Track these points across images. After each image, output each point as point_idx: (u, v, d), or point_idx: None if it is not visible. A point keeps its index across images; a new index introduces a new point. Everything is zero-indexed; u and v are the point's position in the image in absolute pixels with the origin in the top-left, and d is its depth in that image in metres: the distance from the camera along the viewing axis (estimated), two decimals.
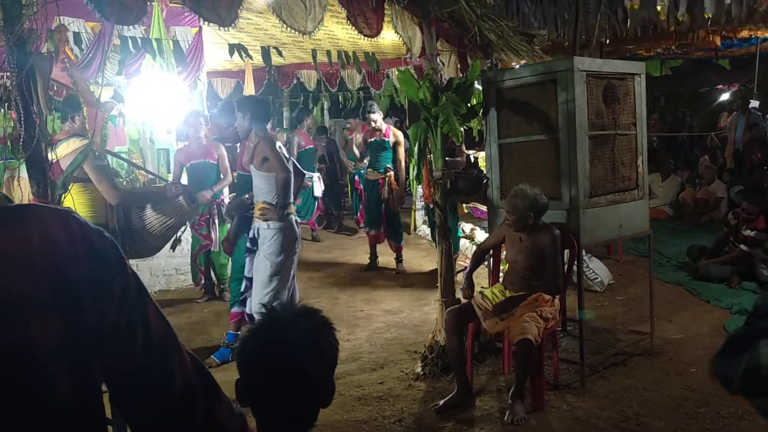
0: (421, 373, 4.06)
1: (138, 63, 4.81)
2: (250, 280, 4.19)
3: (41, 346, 0.80)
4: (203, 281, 5.95)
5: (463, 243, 6.99)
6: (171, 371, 0.95)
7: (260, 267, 4.06)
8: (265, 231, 4.05)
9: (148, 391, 0.93)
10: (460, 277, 6.07)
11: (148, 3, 2.86)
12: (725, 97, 14.34)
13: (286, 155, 4.16)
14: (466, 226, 7.57)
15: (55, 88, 4.68)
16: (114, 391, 0.92)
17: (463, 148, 6.39)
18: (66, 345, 0.82)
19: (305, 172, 5.08)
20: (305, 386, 1.23)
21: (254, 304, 4.04)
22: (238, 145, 5.23)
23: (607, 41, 8.08)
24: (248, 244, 4.21)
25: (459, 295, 4.11)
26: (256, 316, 1.34)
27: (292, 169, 4.17)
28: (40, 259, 0.83)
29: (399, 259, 6.95)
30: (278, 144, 4.10)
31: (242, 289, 4.29)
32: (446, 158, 4.34)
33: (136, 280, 0.93)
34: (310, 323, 1.26)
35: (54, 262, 0.84)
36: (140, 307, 0.93)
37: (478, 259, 4.08)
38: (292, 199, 4.19)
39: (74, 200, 3.68)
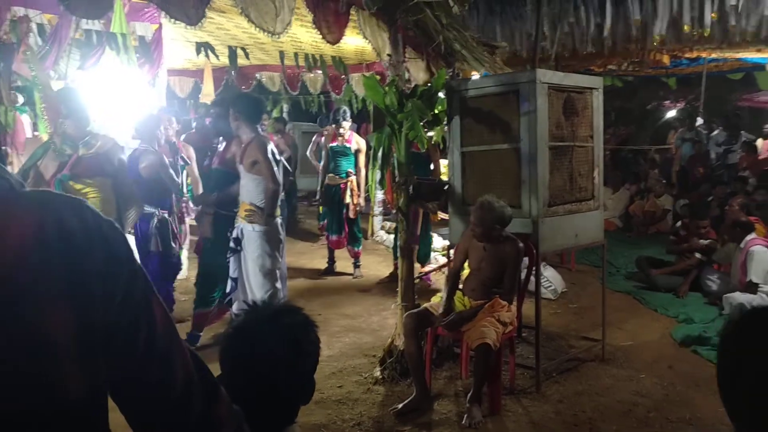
0: (380, 377, 4.08)
1: (96, 57, 4.70)
2: (235, 280, 4.17)
3: (55, 335, 0.79)
4: None
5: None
6: (173, 366, 0.94)
7: (250, 270, 4.04)
8: (250, 233, 4.02)
9: (150, 385, 0.93)
10: (419, 283, 6.16)
11: None
12: (672, 113, 14.92)
13: (278, 158, 4.11)
14: None
15: (17, 81, 4.53)
16: (115, 384, 0.90)
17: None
18: (78, 336, 0.81)
19: None
20: (287, 384, 1.23)
21: None
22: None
23: (566, 54, 8.30)
24: (231, 244, 4.17)
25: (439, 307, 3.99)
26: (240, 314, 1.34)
27: (281, 174, 4.13)
28: (54, 246, 0.81)
29: (357, 264, 6.95)
30: (270, 147, 4.03)
31: (228, 290, 4.25)
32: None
33: (143, 275, 0.92)
34: (291, 321, 1.27)
35: (67, 251, 0.82)
36: (146, 301, 0.92)
37: (453, 282, 3.96)
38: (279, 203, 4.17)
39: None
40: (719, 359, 1.09)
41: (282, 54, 5.62)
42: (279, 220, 4.22)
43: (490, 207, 3.68)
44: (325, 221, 7.12)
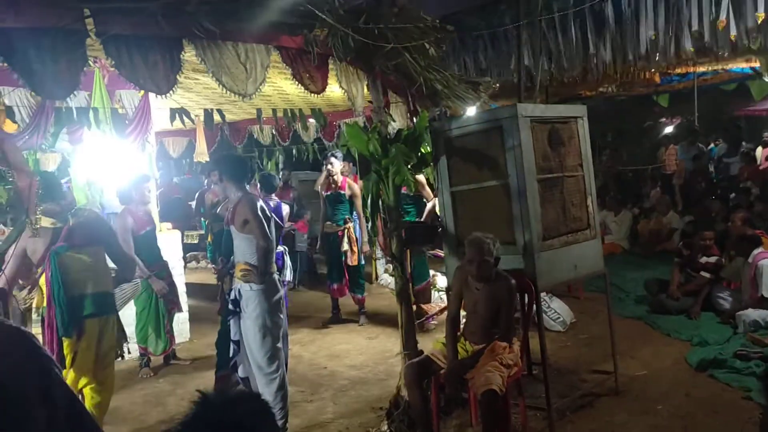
0: (387, 431, 3.94)
1: (80, 131, 4.73)
2: (237, 343, 4.05)
3: None
4: (171, 348, 5.72)
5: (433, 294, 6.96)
6: None
7: (249, 331, 3.92)
8: (248, 292, 3.93)
9: None
10: (427, 325, 6.06)
11: (84, 72, 2.80)
12: (669, 130, 14.87)
13: (269, 215, 4.05)
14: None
15: None
16: None
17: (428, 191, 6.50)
18: None
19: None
20: None
21: (254, 368, 3.93)
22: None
23: (555, 83, 8.33)
24: (230, 306, 4.06)
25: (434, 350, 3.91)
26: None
27: (273, 231, 4.06)
28: None
29: (362, 311, 6.85)
30: (260, 204, 3.97)
31: (231, 354, 4.13)
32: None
33: (58, 375, 0.86)
34: (247, 410, 1.18)
35: None
36: (71, 408, 0.85)
37: (453, 329, 3.83)
38: (273, 259, 4.10)
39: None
40: None
41: (259, 111, 5.65)
42: (276, 276, 4.12)
43: (478, 242, 3.62)
44: None
